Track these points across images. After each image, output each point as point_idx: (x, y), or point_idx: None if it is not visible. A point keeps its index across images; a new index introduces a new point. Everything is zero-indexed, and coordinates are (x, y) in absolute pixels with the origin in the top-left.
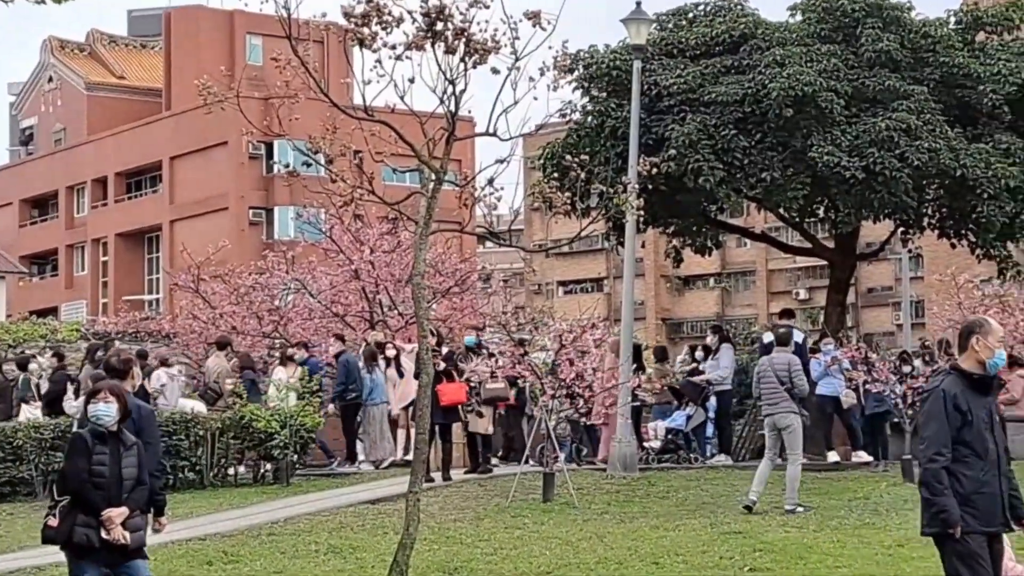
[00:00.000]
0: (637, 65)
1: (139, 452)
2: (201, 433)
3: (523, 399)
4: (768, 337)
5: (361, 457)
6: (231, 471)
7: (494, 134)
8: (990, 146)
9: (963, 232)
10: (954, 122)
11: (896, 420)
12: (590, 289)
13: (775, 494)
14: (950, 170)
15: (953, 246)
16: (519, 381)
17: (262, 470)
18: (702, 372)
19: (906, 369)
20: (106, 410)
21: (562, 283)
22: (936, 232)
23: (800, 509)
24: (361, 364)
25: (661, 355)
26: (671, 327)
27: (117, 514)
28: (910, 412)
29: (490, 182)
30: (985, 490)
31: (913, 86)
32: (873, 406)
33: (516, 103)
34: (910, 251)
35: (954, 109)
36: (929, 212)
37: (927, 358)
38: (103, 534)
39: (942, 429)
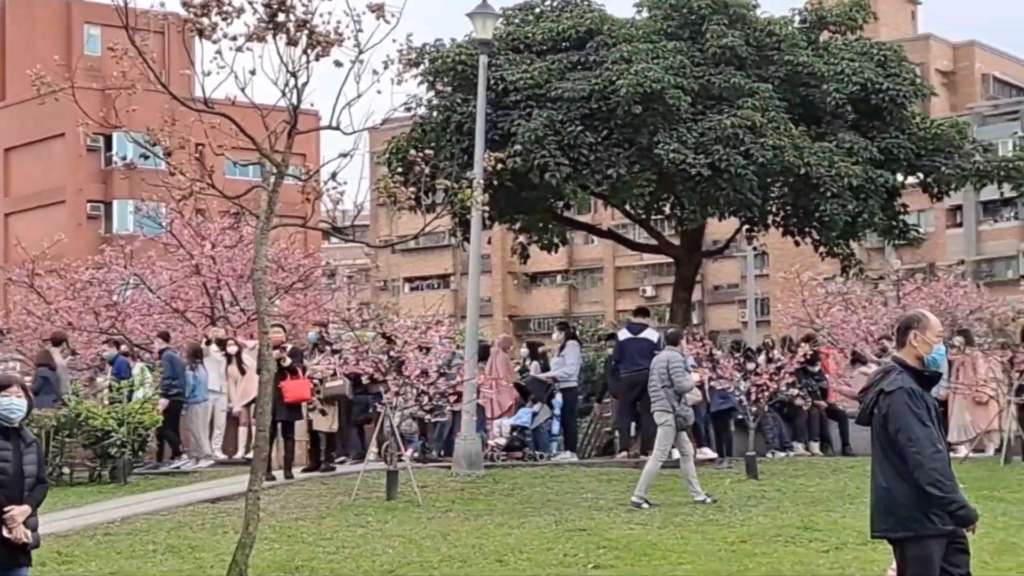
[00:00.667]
0: (483, 60)
1: (38, 449)
2: (35, 431)
3: None
4: (624, 334)
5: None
6: (66, 470)
7: (337, 128)
8: (833, 145)
9: (807, 230)
10: (798, 120)
11: (740, 417)
12: (437, 286)
13: (620, 491)
14: (794, 168)
15: (797, 244)
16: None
17: (99, 468)
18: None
19: (750, 366)
20: (18, 404)
21: (408, 280)
22: (781, 230)
23: (645, 505)
24: (185, 360)
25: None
26: (518, 324)
27: (19, 512)
28: (754, 409)
29: (333, 176)
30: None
31: (758, 84)
32: (719, 403)
33: (360, 97)
34: (755, 249)
35: (798, 107)
36: (774, 210)
37: (769, 355)
38: (4, 532)
39: (926, 426)
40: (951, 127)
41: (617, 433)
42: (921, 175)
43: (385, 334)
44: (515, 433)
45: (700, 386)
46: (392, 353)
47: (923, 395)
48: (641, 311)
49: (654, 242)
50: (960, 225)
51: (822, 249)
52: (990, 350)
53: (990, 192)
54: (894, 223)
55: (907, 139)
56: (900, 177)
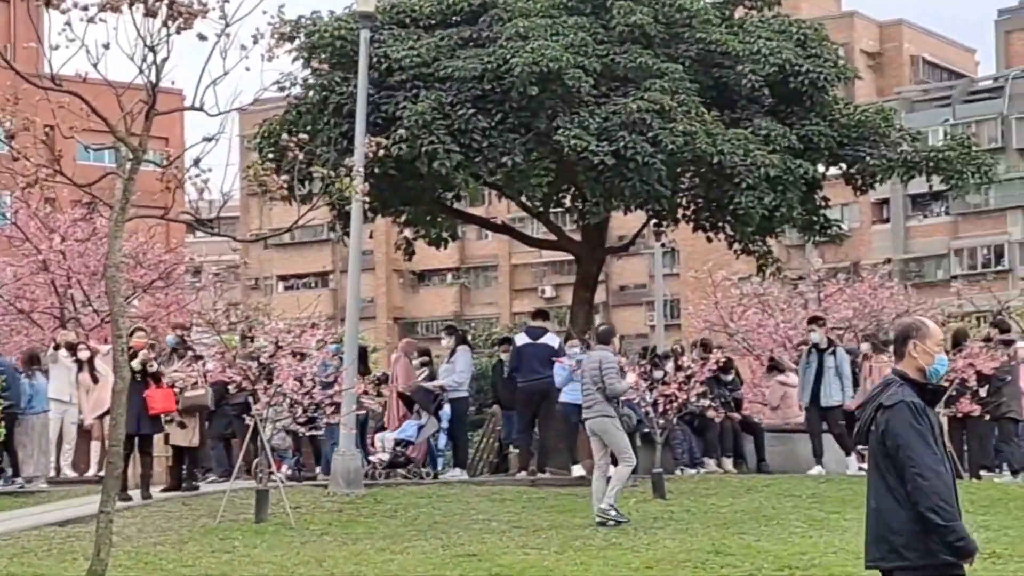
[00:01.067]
0: (365, 35)
1: None
2: None
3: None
4: (522, 339)
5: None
6: None
7: (201, 108)
8: (749, 131)
9: (720, 225)
10: (711, 104)
11: (646, 431)
12: (314, 284)
13: (514, 513)
14: (706, 157)
15: (709, 240)
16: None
17: None
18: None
19: (657, 374)
20: None
21: (283, 278)
22: (691, 225)
23: (613, 512)
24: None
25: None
26: (404, 327)
27: None
28: (661, 422)
29: (197, 162)
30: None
31: (668, 64)
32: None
33: (226, 74)
34: (663, 245)
35: (711, 90)
36: (684, 202)
37: (679, 362)
38: None
39: (928, 445)
40: (876, 113)
41: (512, 448)
42: (844, 166)
43: (246, 334)
44: (399, 448)
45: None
46: (263, 359)
47: (926, 411)
48: (540, 314)
49: (553, 237)
50: (887, 221)
51: (737, 246)
52: None
53: (919, 185)
54: (815, 218)
55: (829, 126)
56: (821, 168)
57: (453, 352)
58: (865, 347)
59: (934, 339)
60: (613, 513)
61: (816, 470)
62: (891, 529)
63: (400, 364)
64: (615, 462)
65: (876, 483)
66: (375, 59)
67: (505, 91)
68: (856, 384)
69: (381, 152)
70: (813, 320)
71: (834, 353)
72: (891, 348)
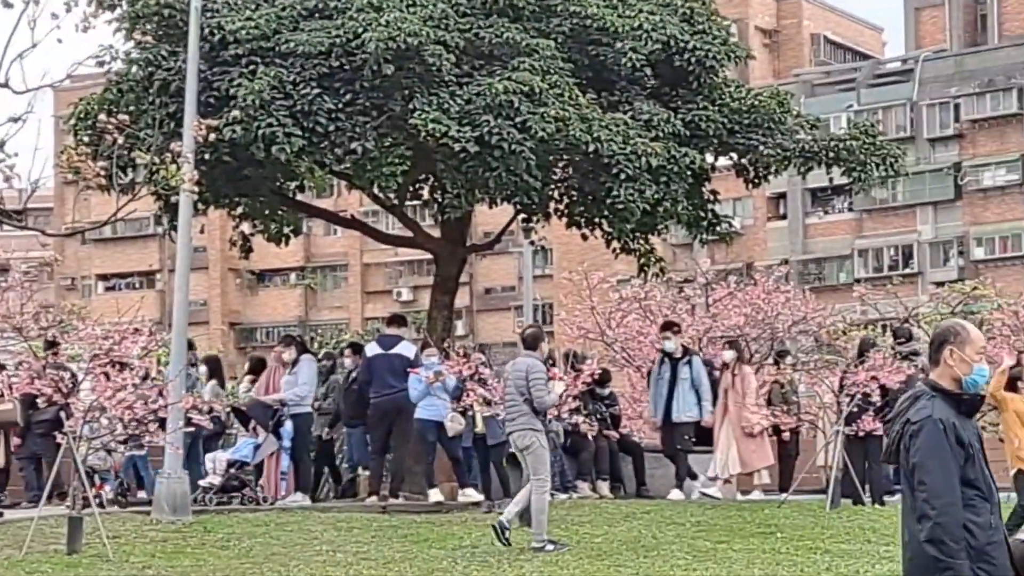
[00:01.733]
0: (196, 3)
1: None
2: None
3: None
4: (373, 349)
5: None
6: None
7: (6, 85)
8: (629, 116)
9: (597, 221)
10: (587, 86)
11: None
12: (139, 285)
13: (363, 543)
14: (581, 144)
15: (585, 238)
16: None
17: None
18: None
19: None
20: None
21: (103, 277)
22: (565, 220)
23: (550, 547)
24: None
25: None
26: (241, 333)
27: None
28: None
29: (1, 146)
30: (996, 538)
31: (538, 40)
32: (497, 434)
33: (35, 46)
34: (533, 243)
35: (587, 70)
36: (556, 195)
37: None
38: None
39: (948, 470)
40: (772, 97)
41: (361, 471)
42: (735, 156)
43: (54, 339)
44: (232, 470)
45: (464, 412)
46: (76, 368)
47: (958, 427)
48: (395, 319)
49: (409, 234)
50: (784, 217)
51: (615, 244)
52: (816, 369)
53: (819, 178)
54: (702, 213)
55: (718, 111)
56: (710, 158)
57: (295, 362)
58: (728, 355)
59: (974, 346)
60: (550, 547)
61: (675, 494)
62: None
63: (279, 374)
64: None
65: (910, 502)
66: (207, 30)
67: (355, 69)
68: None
69: (213, 136)
70: (667, 326)
71: (689, 363)
72: (786, 359)
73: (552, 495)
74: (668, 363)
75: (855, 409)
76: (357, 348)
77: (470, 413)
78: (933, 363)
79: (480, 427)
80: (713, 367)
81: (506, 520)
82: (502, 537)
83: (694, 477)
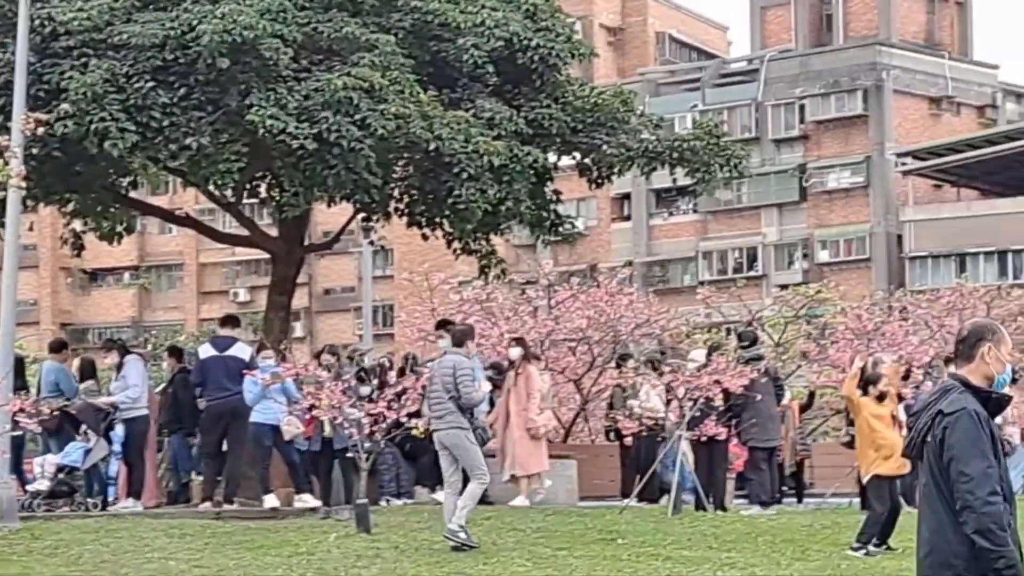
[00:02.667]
0: None
1: None
2: None
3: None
4: (207, 351)
5: None
6: None
7: None
8: (471, 114)
9: (438, 220)
10: (428, 82)
11: (350, 455)
12: None
13: (196, 550)
14: (422, 142)
15: (426, 238)
16: None
17: None
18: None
19: (364, 391)
20: None
21: None
22: (405, 220)
23: (463, 535)
24: None
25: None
26: (74, 334)
27: None
28: (367, 445)
29: None
30: (1012, 540)
31: (378, 35)
32: (343, 439)
33: None
34: (373, 243)
35: (428, 66)
36: (397, 194)
37: (384, 377)
38: None
39: (988, 460)
40: (615, 96)
41: (194, 476)
42: (578, 155)
43: None
44: (61, 475)
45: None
46: None
47: (988, 421)
48: (229, 320)
49: (246, 232)
50: (628, 218)
51: (456, 245)
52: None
53: (664, 179)
54: (545, 214)
55: (561, 110)
56: (553, 157)
57: (121, 364)
58: (514, 353)
59: (1007, 346)
60: (463, 536)
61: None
62: (954, 552)
63: None
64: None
65: (934, 500)
66: (37, 21)
67: (190, 62)
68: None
69: (43, 130)
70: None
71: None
72: (628, 362)
73: (387, 501)
74: None
75: (697, 414)
76: (176, 352)
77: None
78: (965, 359)
79: (328, 431)
80: (501, 367)
81: (455, 530)
82: (469, 543)
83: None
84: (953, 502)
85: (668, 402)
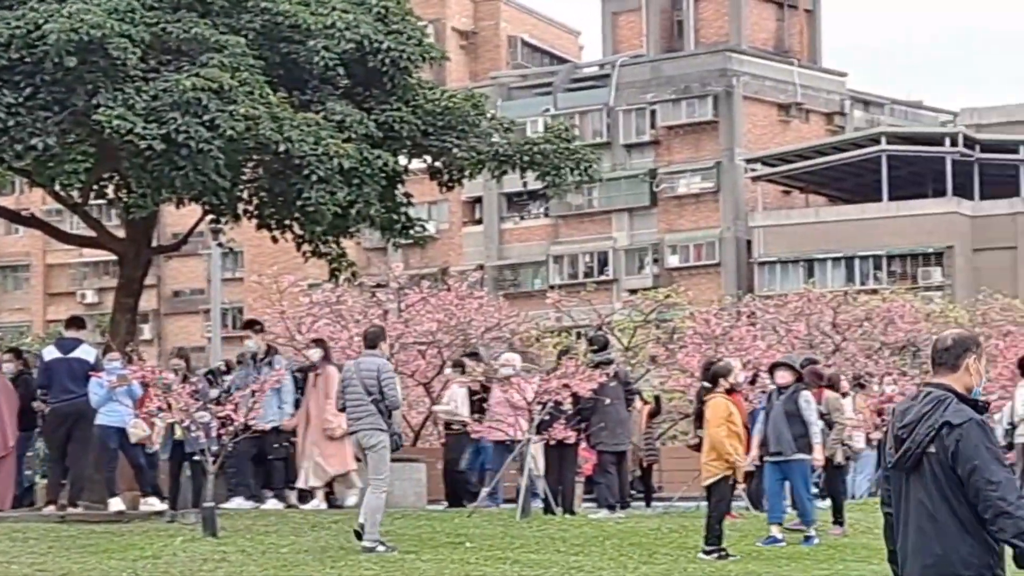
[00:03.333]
0: None
1: None
2: None
3: None
4: (51, 352)
5: None
6: None
7: None
8: (321, 116)
9: (287, 223)
10: (278, 84)
11: (197, 458)
12: None
13: (38, 555)
14: (272, 144)
15: (275, 240)
16: None
17: None
18: None
19: (213, 393)
20: None
21: None
22: (255, 222)
23: (381, 548)
24: None
25: None
26: None
27: None
28: (215, 448)
29: None
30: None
31: (228, 36)
32: (194, 442)
33: None
34: (222, 245)
35: (278, 68)
36: (246, 196)
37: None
38: None
39: (1004, 467)
40: (466, 100)
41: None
42: (429, 158)
43: None
44: None
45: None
46: None
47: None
48: (74, 322)
49: (93, 233)
50: (480, 222)
51: (306, 247)
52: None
53: (516, 183)
54: (395, 216)
55: (412, 113)
56: (403, 160)
57: None
58: (314, 354)
59: (984, 359)
60: (381, 548)
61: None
62: (966, 562)
63: None
64: None
65: (942, 511)
66: None
67: (36, 61)
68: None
69: None
70: (248, 324)
71: (270, 365)
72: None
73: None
74: (252, 365)
75: (547, 418)
76: (17, 353)
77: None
78: (948, 368)
79: (179, 434)
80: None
81: (371, 546)
82: (391, 548)
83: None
84: (967, 511)
85: (480, 403)
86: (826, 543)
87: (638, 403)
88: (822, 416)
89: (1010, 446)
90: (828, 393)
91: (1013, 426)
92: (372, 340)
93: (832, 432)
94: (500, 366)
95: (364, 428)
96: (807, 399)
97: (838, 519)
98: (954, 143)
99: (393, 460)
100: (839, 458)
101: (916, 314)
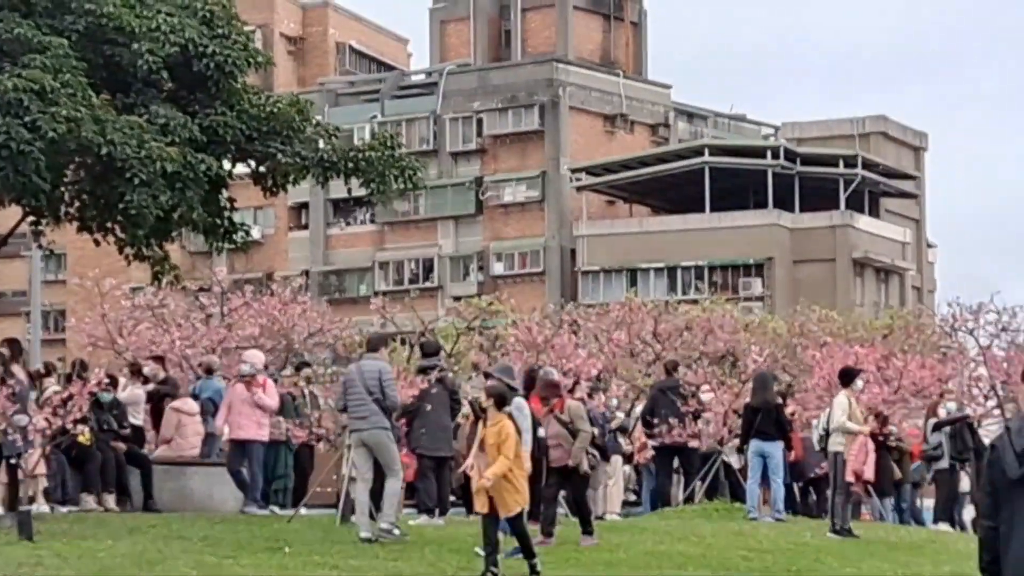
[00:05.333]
0: None
1: None
2: None
3: None
4: None
5: None
6: None
7: None
8: (145, 119)
9: (110, 226)
10: (101, 86)
11: (14, 463)
12: None
13: None
14: (94, 147)
15: (97, 243)
16: None
17: None
18: None
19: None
20: None
21: None
22: (77, 224)
23: (396, 531)
24: None
25: None
26: None
27: None
28: (29, 452)
29: None
30: None
31: (51, 37)
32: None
33: None
34: (42, 247)
35: (102, 70)
36: (67, 198)
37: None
38: None
39: None
40: (291, 105)
41: None
42: (253, 163)
43: None
44: None
45: None
46: None
47: None
48: None
49: None
50: (306, 227)
51: (128, 250)
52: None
53: (342, 189)
54: (219, 221)
55: (237, 117)
56: (228, 164)
57: None
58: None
59: None
60: (397, 532)
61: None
62: None
63: None
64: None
65: None
66: None
67: None
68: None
69: None
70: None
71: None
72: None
73: (52, 508)
74: None
75: None
76: None
77: None
78: None
79: None
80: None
81: (372, 534)
82: (402, 538)
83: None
84: None
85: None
86: (644, 550)
87: (466, 409)
88: (564, 425)
89: (824, 451)
90: (570, 401)
91: (827, 432)
92: (374, 345)
93: (577, 440)
94: (240, 363)
95: (368, 427)
96: (518, 406)
97: (586, 528)
98: (775, 156)
99: (212, 465)
100: (584, 467)
101: (736, 324)
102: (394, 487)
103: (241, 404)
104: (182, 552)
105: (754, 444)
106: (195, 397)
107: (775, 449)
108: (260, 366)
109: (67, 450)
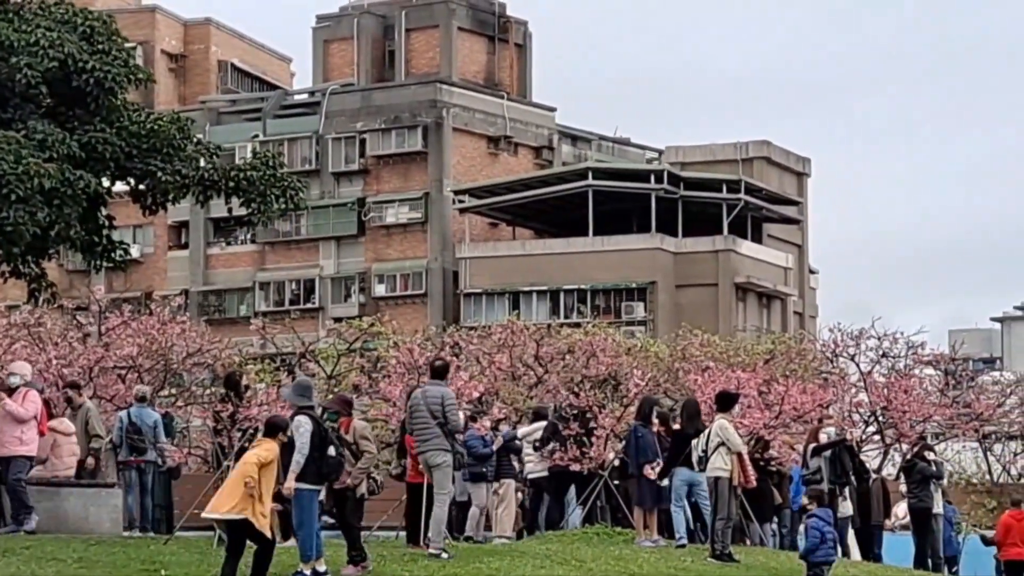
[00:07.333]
0: None
1: None
2: None
3: None
4: None
5: None
6: None
7: None
8: (23, 135)
9: None
10: None
11: None
12: None
13: None
14: None
15: None
16: None
17: None
18: None
19: None
20: None
21: None
22: None
23: (445, 555)
24: None
25: None
26: None
27: None
28: None
29: None
30: None
31: None
32: None
33: None
34: None
35: None
36: None
37: None
38: None
39: None
40: (171, 123)
41: None
42: (133, 180)
43: None
44: None
45: None
46: None
47: None
48: None
49: None
50: (186, 246)
51: (4, 268)
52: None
53: (222, 208)
54: (97, 239)
55: (116, 134)
56: (106, 181)
57: None
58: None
59: None
60: (445, 556)
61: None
62: None
63: None
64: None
65: None
66: None
67: None
68: None
69: None
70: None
71: None
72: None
73: None
74: None
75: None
76: None
77: None
78: None
79: None
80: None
81: (436, 552)
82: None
83: None
84: None
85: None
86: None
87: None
88: (348, 446)
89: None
90: (356, 422)
91: (706, 455)
92: (440, 372)
93: (360, 461)
94: (8, 375)
95: (431, 448)
96: (297, 423)
97: (352, 556)
98: (659, 180)
99: (88, 486)
100: (362, 489)
101: (618, 348)
102: (440, 512)
103: (2, 420)
104: (55, 573)
105: (684, 472)
106: (135, 427)
107: (703, 478)
108: (29, 378)
109: None
